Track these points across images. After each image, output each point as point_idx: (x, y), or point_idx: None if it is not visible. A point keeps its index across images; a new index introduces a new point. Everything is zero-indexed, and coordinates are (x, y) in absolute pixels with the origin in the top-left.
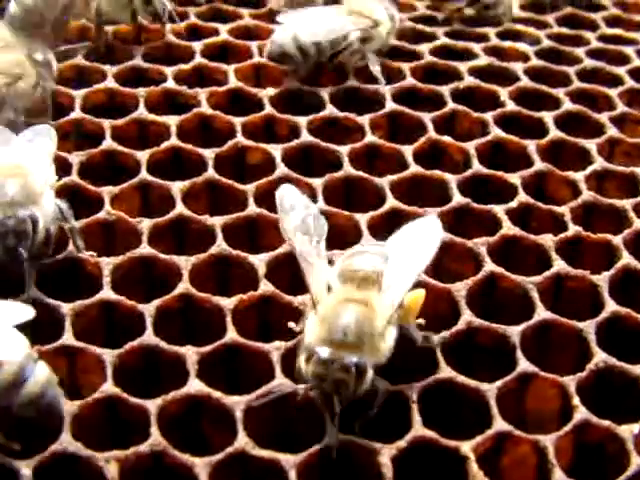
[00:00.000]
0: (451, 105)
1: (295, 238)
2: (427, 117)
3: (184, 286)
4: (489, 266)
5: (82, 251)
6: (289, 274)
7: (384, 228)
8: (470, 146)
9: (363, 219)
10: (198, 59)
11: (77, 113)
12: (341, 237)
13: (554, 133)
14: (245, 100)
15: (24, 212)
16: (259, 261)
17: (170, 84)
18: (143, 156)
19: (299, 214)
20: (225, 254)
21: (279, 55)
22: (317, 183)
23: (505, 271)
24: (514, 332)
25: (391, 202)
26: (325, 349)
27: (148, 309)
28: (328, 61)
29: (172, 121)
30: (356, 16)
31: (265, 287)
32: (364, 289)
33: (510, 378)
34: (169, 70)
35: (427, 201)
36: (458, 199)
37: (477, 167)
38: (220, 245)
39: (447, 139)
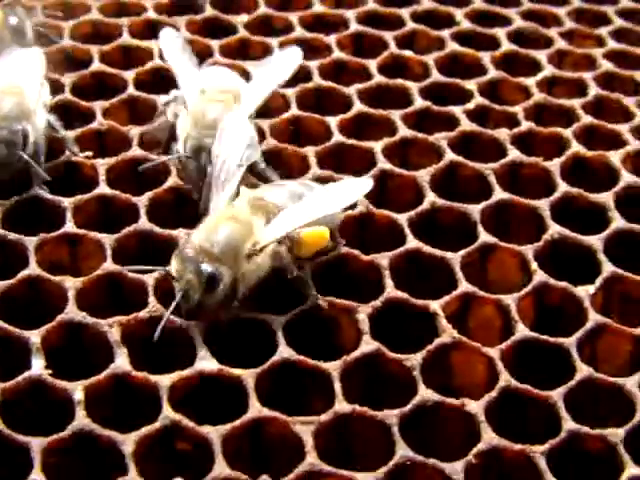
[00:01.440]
0: (411, 25)
1: None
2: (389, 35)
3: (173, 180)
4: (449, 156)
5: (77, 155)
6: None
7: (353, 129)
8: (429, 58)
9: (334, 121)
10: None
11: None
12: (315, 139)
13: (507, 46)
14: (221, 27)
15: (17, 125)
16: None
17: (151, 14)
18: (129, 75)
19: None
20: None
21: None
22: (289, 93)
23: (464, 160)
24: (474, 210)
25: (358, 107)
26: (190, 250)
27: (141, 200)
28: None
29: (154, 45)
30: None
31: None
32: (255, 211)
33: (472, 248)
34: (149, 3)
35: (391, 105)
36: (419, 103)
37: (436, 76)
38: None
39: (408, 53)
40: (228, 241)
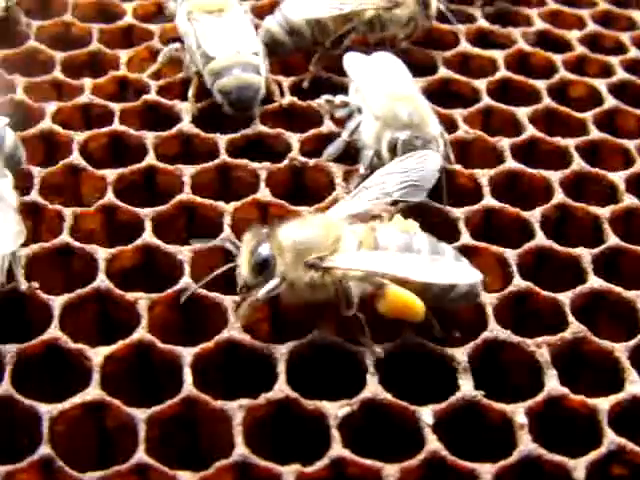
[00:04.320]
0: None
1: None
2: None
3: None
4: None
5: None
6: None
7: None
8: None
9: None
10: None
11: None
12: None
13: None
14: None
15: (427, 132)
16: None
17: None
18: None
19: None
20: None
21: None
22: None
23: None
24: None
25: None
26: (266, 231)
27: None
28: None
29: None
30: None
31: None
32: (354, 236)
33: None
34: None
35: None
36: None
37: None
38: None
39: None
40: (297, 240)
